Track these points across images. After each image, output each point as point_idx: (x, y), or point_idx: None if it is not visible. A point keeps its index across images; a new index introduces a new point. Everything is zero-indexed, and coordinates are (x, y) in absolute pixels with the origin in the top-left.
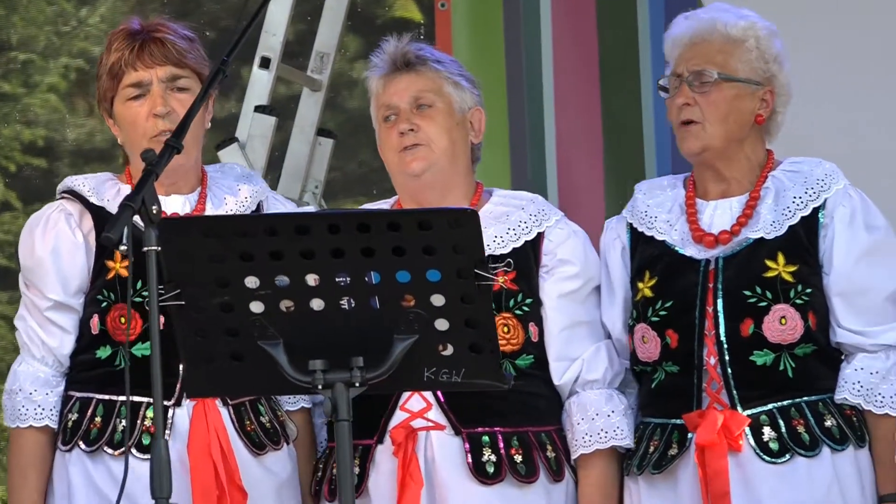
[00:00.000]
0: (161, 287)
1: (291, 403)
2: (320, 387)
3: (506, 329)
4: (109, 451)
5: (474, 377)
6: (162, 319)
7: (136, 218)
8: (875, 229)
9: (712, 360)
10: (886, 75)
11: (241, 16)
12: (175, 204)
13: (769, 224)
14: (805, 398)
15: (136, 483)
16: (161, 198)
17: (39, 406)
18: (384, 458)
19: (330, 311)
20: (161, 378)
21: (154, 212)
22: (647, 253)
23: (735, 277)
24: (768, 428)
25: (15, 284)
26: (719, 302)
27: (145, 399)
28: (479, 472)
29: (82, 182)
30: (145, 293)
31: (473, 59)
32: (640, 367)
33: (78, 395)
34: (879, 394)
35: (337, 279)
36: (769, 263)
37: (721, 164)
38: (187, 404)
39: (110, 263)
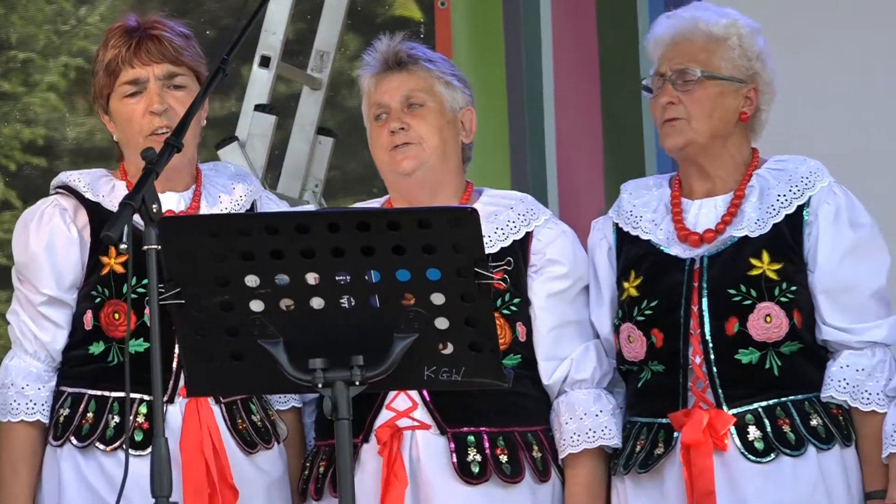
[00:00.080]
0: (161, 285)
1: (282, 403)
2: (320, 385)
3: None
4: (101, 446)
5: (474, 376)
6: None
7: (136, 217)
8: (860, 226)
9: (697, 359)
10: (888, 75)
11: (241, 14)
12: (170, 201)
13: (753, 222)
14: (791, 397)
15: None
16: None
17: (31, 401)
18: (369, 457)
19: (330, 310)
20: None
21: (154, 210)
22: (632, 252)
23: (720, 276)
24: (754, 427)
25: None
26: (704, 301)
27: (138, 395)
28: (464, 472)
29: (77, 178)
30: (140, 290)
31: (473, 58)
32: (627, 366)
33: (70, 390)
34: (866, 391)
35: (337, 278)
36: (754, 262)
37: (705, 161)
38: (180, 402)
39: (105, 259)
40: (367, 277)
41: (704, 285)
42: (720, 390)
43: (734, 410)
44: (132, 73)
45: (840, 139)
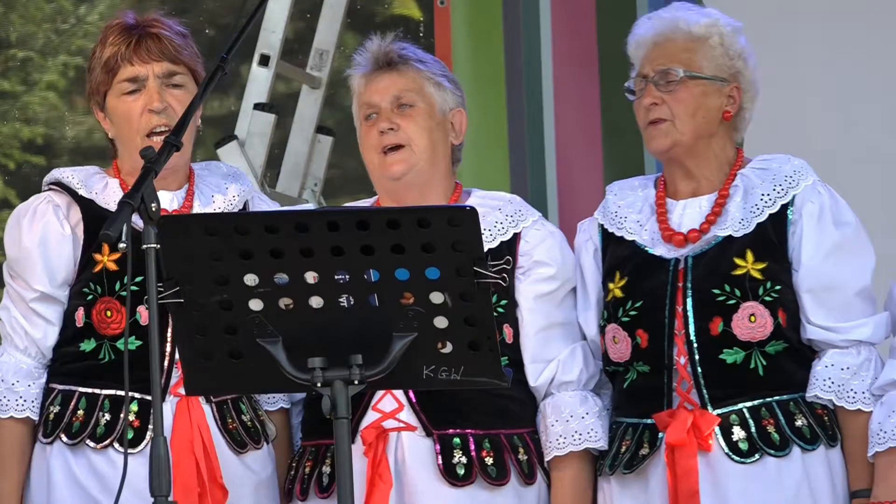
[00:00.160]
0: (160, 284)
1: (270, 403)
2: (319, 384)
3: None
4: (91, 444)
5: (473, 375)
6: (145, 315)
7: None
8: (844, 225)
9: (682, 360)
10: (888, 75)
11: (241, 13)
12: (163, 200)
13: (737, 222)
14: (776, 397)
15: (117, 476)
16: None
17: (21, 397)
18: (355, 458)
19: (329, 309)
20: (144, 373)
21: (153, 209)
22: (617, 253)
23: (704, 276)
24: (738, 428)
25: None
26: (689, 301)
27: (130, 393)
28: (450, 474)
29: (70, 174)
30: (132, 287)
31: (472, 57)
32: (612, 367)
33: (60, 387)
34: (851, 389)
35: (336, 277)
36: (738, 261)
37: (690, 161)
38: (171, 400)
39: (98, 256)
40: (366, 276)
41: (689, 285)
42: (705, 391)
43: (719, 411)
44: (132, 70)
45: (841, 139)
